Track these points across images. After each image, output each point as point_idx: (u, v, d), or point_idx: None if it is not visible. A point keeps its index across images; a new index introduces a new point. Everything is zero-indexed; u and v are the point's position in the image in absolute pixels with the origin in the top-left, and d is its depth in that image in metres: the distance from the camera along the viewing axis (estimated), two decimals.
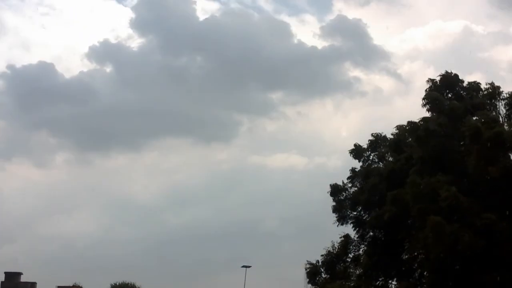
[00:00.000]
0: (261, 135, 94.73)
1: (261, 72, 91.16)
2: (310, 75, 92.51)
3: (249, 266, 49.12)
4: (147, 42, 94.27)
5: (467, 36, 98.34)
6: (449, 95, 33.47)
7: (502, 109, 32.45)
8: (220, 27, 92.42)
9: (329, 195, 35.86)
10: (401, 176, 31.07)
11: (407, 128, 33.12)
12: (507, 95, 32.28)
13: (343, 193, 35.66)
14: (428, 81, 33.15)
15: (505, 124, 30.68)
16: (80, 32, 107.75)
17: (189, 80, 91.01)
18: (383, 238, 33.03)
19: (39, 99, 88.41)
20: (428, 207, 27.95)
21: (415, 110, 33.47)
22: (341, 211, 35.07)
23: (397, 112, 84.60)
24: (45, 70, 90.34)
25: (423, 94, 32.90)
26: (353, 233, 34.93)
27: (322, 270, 34.52)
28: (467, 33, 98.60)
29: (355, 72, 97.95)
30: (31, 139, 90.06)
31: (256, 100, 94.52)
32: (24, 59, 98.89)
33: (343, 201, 35.39)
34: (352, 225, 34.80)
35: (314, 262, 34.71)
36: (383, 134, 36.15)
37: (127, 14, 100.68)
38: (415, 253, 31.30)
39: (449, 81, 33.40)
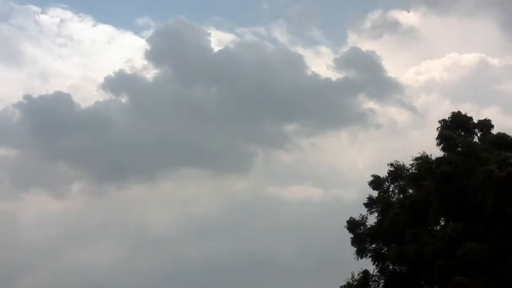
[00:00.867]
0: (276, 166, 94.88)
1: (275, 103, 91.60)
2: (324, 107, 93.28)
3: None
4: (162, 73, 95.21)
5: (483, 68, 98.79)
6: (462, 133, 33.74)
7: None
8: (234, 58, 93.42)
9: (346, 228, 35.64)
10: (423, 209, 31.39)
11: (422, 163, 33.26)
12: None
13: (361, 227, 35.36)
14: (440, 121, 33.57)
15: None
16: (96, 63, 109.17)
17: (203, 111, 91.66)
18: (403, 272, 32.79)
19: (55, 129, 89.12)
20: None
21: (432, 143, 33.57)
22: (360, 244, 34.83)
23: (414, 144, 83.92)
24: (61, 100, 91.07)
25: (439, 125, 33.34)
26: (372, 267, 34.60)
27: None
28: (483, 65, 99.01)
29: (369, 104, 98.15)
30: (47, 169, 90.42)
31: (271, 131, 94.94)
32: (42, 89, 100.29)
33: (362, 234, 35.12)
34: (371, 258, 34.53)
35: None
36: (401, 164, 35.75)
37: (142, 45, 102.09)
38: None
39: (460, 119, 33.80)
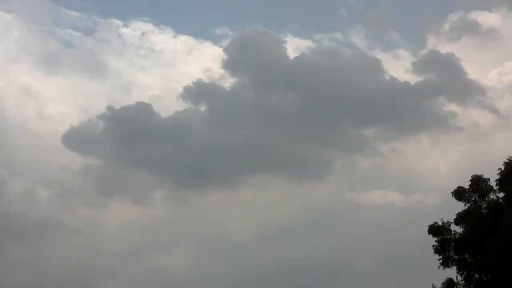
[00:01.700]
0: (356, 171, 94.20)
1: (353, 108, 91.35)
2: (403, 111, 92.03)
3: None
4: (239, 81, 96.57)
5: None
6: None
7: None
8: (311, 64, 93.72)
9: (427, 234, 34.48)
10: (504, 216, 30.45)
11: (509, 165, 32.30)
12: None
13: (445, 234, 34.20)
14: None
15: None
16: (177, 73, 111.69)
17: (281, 118, 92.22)
18: (490, 281, 31.70)
19: (137, 138, 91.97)
20: None
21: None
22: (445, 253, 33.82)
23: (498, 147, 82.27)
24: (143, 110, 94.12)
25: None
26: (455, 275, 33.51)
27: None
28: None
29: (450, 107, 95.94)
30: (130, 177, 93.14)
31: (349, 136, 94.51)
32: (124, 100, 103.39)
33: (446, 242, 34.07)
34: (456, 267, 33.52)
35: None
36: (484, 176, 34.55)
37: (220, 54, 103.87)
38: None
39: None
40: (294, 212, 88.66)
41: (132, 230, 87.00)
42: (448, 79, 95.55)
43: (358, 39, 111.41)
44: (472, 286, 32.82)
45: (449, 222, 34.26)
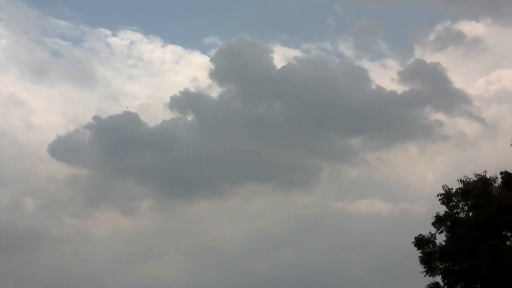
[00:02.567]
0: (343, 180, 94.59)
1: (340, 117, 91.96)
2: (390, 120, 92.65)
3: None
4: (227, 91, 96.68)
5: None
6: None
7: None
8: (297, 74, 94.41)
9: (414, 244, 35.04)
10: (493, 224, 30.88)
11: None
12: None
13: (430, 245, 34.72)
14: None
15: None
16: (165, 83, 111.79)
17: (268, 127, 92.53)
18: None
19: (124, 148, 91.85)
20: None
21: (504, 154, 32.91)
22: (429, 263, 34.26)
23: (484, 156, 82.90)
24: (129, 119, 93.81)
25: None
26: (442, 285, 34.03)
27: None
28: None
29: (436, 116, 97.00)
30: (117, 187, 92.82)
31: (336, 146, 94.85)
32: (113, 109, 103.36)
33: (431, 252, 34.55)
34: (441, 276, 33.92)
35: None
36: (471, 180, 34.98)
37: (207, 64, 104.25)
38: None
39: None
40: (282, 221, 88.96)
41: (120, 240, 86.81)
42: (434, 88, 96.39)
43: (346, 49, 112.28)
44: None
45: (433, 234, 34.66)
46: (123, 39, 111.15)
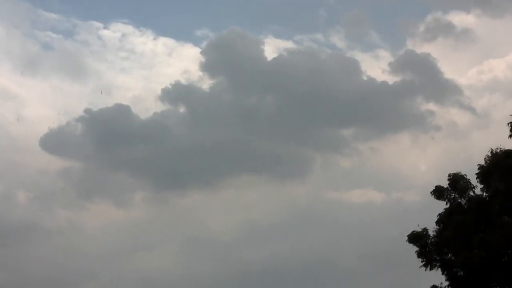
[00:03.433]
0: (336, 171, 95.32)
1: (331, 109, 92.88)
2: (381, 110, 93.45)
3: None
4: (218, 83, 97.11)
5: None
6: None
7: None
8: (288, 66, 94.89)
9: (408, 231, 34.74)
10: (488, 212, 31.14)
11: (491, 157, 32.82)
12: None
13: (425, 239, 34.46)
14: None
15: None
16: (157, 75, 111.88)
17: (260, 119, 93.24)
18: (473, 277, 32.12)
19: (116, 141, 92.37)
20: None
21: (496, 144, 32.90)
22: (427, 256, 34.14)
23: (476, 146, 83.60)
24: (121, 112, 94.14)
25: (504, 126, 32.30)
26: (440, 276, 33.96)
27: None
28: None
29: (428, 106, 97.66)
30: (110, 179, 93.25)
31: (328, 136, 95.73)
32: (105, 102, 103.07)
33: (427, 245, 34.37)
34: (440, 269, 33.85)
35: None
36: (462, 174, 34.96)
37: (199, 56, 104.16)
38: None
39: None
40: (276, 212, 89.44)
41: (113, 232, 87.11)
42: (425, 78, 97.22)
43: (338, 40, 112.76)
44: (456, 284, 33.22)
45: (426, 229, 34.53)
46: (114, 32, 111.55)
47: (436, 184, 35.45)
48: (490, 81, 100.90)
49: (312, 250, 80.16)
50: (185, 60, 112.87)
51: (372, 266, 76.66)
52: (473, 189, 34.33)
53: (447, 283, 33.62)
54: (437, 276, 34.41)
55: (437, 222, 34.49)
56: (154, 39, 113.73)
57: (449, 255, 33.90)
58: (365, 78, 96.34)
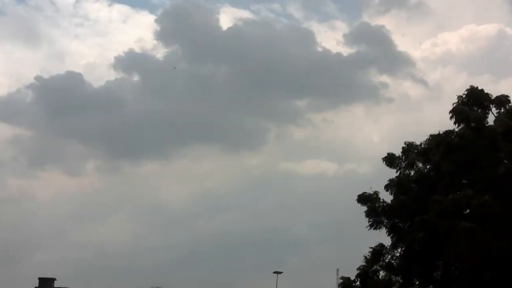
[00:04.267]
0: (290, 141, 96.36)
1: (286, 79, 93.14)
2: (335, 82, 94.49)
3: (281, 272, 50.07)
4: (172, 52, 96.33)
5: (501, 39, 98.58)
6: (477, 109, 33.43)
7: None
8: (243, 36, 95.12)
9: (356, 201, 35.14)
10: (431, 185, 31.95)
11: (433, 137, 33.63)
12: None
13: (374, 202, 34.81)
14: (457, 97, 33.33)
15: None
16: (111, 42, 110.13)
17: (215, 88, 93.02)
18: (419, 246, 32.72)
19: (68, 109, 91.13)
20: (455, 224, 28.34)
21: (447, 117, 33.84)
22: (374, 217, 34.58)
23: (428, 118, 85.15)
24: (73, 80, 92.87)
25: (455, 99, 33.10)
26: (386, 239, 34.54)
27: (357, 282, 33.78)
28: (501, 36, 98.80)
29: (381, 79, 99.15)
30: (62, 147, 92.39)
31: (282, 107, 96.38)
32: (57, 69, 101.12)
33: (376, 207, 34.77)
34: (386, 229, 34.43)
35: (347, 276, 34.20)
36: (415, 143, 35.71)
37: (152, 25, 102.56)
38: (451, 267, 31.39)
39: (476, 95, 33.39)
40: (230, 182, 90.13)
41: (64, 201, 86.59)
42: (379, 51, 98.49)
43: (295, 10, 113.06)
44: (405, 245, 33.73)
45: (377, 192, 34.95)
46: None
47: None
48: (443, 54, 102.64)
49: (265, 219, 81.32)
50: (140, 27, 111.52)
51: (324, 235, 78.25)
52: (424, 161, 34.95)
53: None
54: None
55: (386, 187, 34.96)
56: (109, 5, 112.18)
57: (396, 220, 34.44)
58: (320, 49, 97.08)
